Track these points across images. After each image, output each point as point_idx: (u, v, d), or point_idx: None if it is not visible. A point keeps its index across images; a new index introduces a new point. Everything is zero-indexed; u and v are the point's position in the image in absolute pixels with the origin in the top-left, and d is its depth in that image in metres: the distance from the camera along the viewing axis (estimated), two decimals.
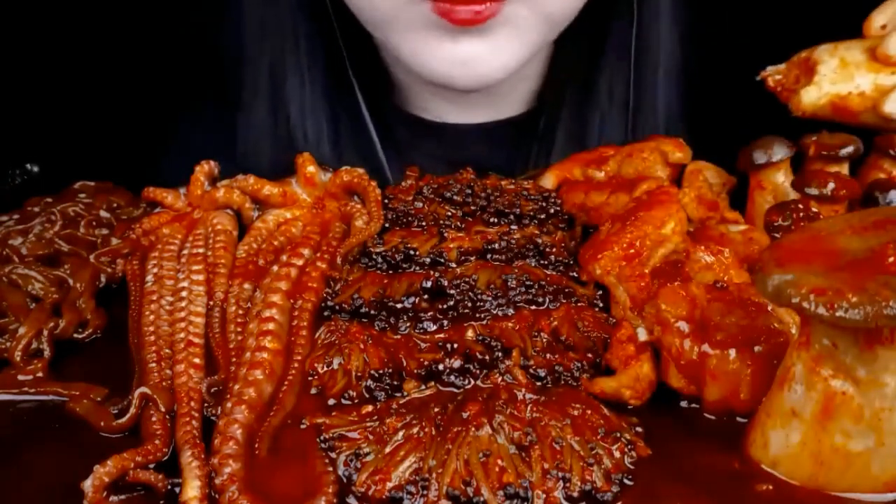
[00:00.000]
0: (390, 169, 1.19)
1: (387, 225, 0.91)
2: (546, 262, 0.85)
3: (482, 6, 0.97)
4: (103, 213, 0.96)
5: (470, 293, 0.79)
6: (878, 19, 0.94)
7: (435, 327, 0.77)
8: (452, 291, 0.79)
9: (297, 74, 1.17)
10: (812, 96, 0.93)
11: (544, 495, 0.63)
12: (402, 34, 1.04)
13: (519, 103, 1.22)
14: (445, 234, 0.86)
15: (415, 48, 1.04)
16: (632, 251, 0.81)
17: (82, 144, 1.20)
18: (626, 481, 0.65)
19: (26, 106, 1.20)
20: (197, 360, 0.75)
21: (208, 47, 1.23)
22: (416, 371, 0.73)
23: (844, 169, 0.93)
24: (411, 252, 0.84)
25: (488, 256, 0.84)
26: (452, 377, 0.72)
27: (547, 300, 0.80)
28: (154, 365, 0.75)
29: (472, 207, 0.92)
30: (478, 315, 0.78)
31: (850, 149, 0.92)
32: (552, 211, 0.94)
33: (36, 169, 1.09)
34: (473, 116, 1.21)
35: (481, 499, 0.62)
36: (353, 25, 1.12)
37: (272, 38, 1.17)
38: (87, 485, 0.63)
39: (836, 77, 0.92)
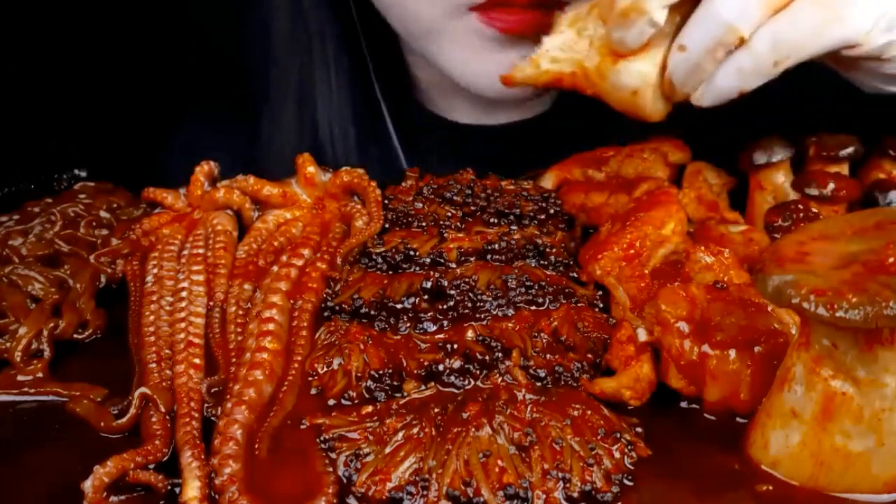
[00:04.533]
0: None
1: (387, 225, 0.91)
2: (546, 263, 0.84)
3: (527, 14, 0.96)
4: (103, 214, 0.96)
5: (470, 293, 0.79)
6: None
7: (435, 328, 0.77)
8: (452, 292, 0.79)
9: (324, 78, 1.18)
10: (527, 73, 0.85)
11: (544, 496, 0.63)
12: (445, 45, 1.04)
13: (539, 104, 1.22)
14: (445, 235, 0.86)
15: (457, 58, 1.04)
16: (632, 252, 0.81)
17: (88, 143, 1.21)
18: (626, 482, 0.65)
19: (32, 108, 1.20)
20: (197, 361, 0.75)
21: (221, 48, 1.23)
22: (416, 371, 0.73)
23: (844, 169, 0.93)
24: (411, 252, 0.84)
25: (488, 257, 0.84)
26: (452, 377, 0.72)
27: (547, 301, 0.80)
28: (154, 365, 0.75)
29: (472, 208, 0.92)
30: (478, 315, 0.78)
31: (850, 150, 0.92)
32: (552, 211, 0.94)
33: (84, 174, 1.11)
34: (494, 118, 1.21)
35: (481, 499, 0.62)
36: (377, 28, 1.12)
37: (299, 41, 1.18)
38: (87, 485, 0.63)
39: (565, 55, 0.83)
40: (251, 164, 1.14)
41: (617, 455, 0.66)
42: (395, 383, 0.72)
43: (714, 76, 0.79)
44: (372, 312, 0.79)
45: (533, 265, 0.84)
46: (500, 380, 0.72)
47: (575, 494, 0.63)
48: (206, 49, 1.24)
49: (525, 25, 0.96)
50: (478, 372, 0.72)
